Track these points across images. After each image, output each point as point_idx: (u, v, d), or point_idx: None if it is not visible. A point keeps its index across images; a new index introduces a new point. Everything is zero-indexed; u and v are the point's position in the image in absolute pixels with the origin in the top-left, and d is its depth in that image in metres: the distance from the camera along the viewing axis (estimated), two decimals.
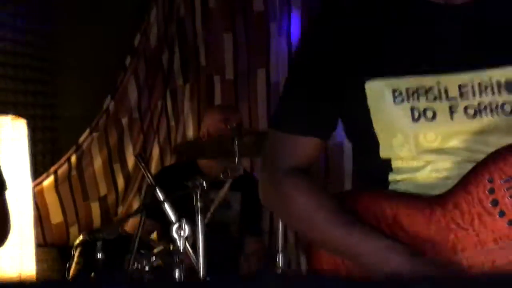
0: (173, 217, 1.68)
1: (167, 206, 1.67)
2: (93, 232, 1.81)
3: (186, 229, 1.62)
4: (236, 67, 3.02)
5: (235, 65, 3.02)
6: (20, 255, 2.48)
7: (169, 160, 3.16)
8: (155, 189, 1.63)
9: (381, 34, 0.93)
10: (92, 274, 1.69)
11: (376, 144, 0.93)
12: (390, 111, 0.91)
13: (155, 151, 3.17)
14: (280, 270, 1.97)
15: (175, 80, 3.14)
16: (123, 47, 3.04)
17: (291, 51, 2.88)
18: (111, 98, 3.06)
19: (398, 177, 0.93)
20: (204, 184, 1.61)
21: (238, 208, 2.41)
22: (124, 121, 3.11)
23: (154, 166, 3.17)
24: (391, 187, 0.94)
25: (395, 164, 0.93)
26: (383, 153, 0.93)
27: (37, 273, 2.57)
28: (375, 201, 0.92)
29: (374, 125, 0.92)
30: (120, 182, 3.15)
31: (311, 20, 1.04)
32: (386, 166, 0.94)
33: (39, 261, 2.65)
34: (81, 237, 1.85)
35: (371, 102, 0.91)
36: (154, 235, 2.40)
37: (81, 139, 3.04)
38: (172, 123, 3.15)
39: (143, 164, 1.73)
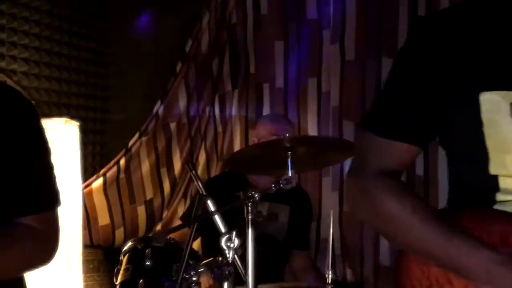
0: (222, 228, 1.64)
1: (217, 217, 1.63)
2: (143, 239, 1.80)
3: (236, 241, 1.57)
4: (286, 76, 2.97)
5: (285, 73, 2.98)
6: (67, 254, 2.51)
7: (215, 167, 3.15)
8: (207, 199, 1.60)
9: (496, 44, 0.88)
10: (141, 281, 1.67)
11: (485, 160, 0.87)
12: (506, 125, 0.85)
13: (202, 157, 3.16)
14: (330, 287, 1.90)
15: (224, 86, 3.13)
16: (175, 52, 3.05)
17: (344, 60, 2.81)
18: (161, 102, 3.08)
19: (510, 197, 0.86)
20: (256, 196, 1.56)
21: (285, 221, 2.36)
22: (173, 126, 3.12)
23: (200, 172, 3.16)
24: (497, 206, 0.88)
25: (504, 182, 0.87)
26: (493, 170, 0.87)
27: (83, 273, 2.60)
28: (481, 218, 0.86)
29: (486, 139, 0.86)
30: (166, 186, 3.16)
31: (417, 26, 0.98)
32: (494, 184, 0.88)
33: (85, 261, 2.69)
34: (130, 243, 1.84)
35: (485, 115, 0.86)
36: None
37: (131, 142, 3.06)
38: (220, 129, 3.14)
39: (193, 172, 1.70)
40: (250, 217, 1.58)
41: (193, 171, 1.70)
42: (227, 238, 1.59)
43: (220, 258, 1.59)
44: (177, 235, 2.61)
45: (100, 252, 2.92)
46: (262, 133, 2.31)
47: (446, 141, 0.93)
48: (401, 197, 0.90)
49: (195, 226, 1.56)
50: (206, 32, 3.09)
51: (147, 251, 1.71)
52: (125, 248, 1.83)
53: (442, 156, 2.59)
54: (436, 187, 2.56)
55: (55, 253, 1.09)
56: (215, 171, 3.14)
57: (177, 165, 3.16)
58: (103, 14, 3.22)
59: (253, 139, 2.39)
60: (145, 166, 3.11)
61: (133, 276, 1.72)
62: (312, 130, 2.89)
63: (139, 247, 1.76)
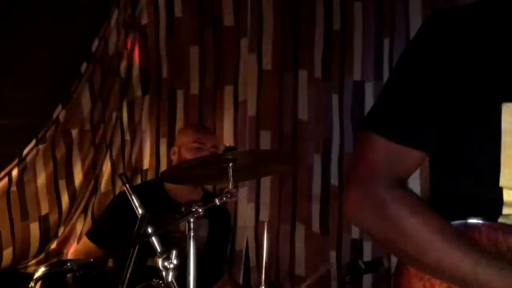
0: (158, 248, 1.49)
1: (154, 237, 1.47)
2: (58, 263, 1.56)
3: (175, 261, 1.43)
4: (202, 82, 2.86)
5: (201, 80, 2.86)
6: None
7: None
8: (148, 217, 1.43)
9: None
10: None
11: (496, 172, 0.84)
12: None
13: (106, 168, 2.91)
14: None
15: (133, 91, 2.91)
16: (80, 52, 2.77)
17: (261, 69, 2.78)
18: (62, 107, 2.77)
19: None
20: (200, 211, 1.44)
21: (205, 235, 2.25)
22: (74, 132, 2.82)
23: (104, 183, 2.91)
24: (501, 219, 0.85)
25: (508, 195, 0.84)
26: (502, 183, 0.84)
27: None
28: (491, 233, 0.83)
29: (502, 151, 0.83)
30: (65, 200, 2.85)
31: (434, 22, 0.91)
32: (500, 196, 0.85)
33: None
34: (43, 269, 1.59)
35: (505, 126, 0.82)
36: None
37: (25, 150, 2.71)
38: (127, 137, 2.92)
39: (127, 186, 1.52)
40: (192, 233, 1.45)
41: (127, 185, 1.52)
42: (164, 258, 1.45)
43: (155, 281, 1.44)
44: (73, 253, 2.35)
45: None
46: (184, 141, 2.18)
47: (450, 150, 0.88)
48: (422, 214, 0.84)
49: (137, 247, 1.39)
50: (114, 31, 2.86)
51: (67, 276, 1.48)
52: (38, 274, 1.57)
53: None
54: None
55: None
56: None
57: (78, 176, 2.86)
58: None
59: (173, 149, 2.24)
60: (41, 178, 2.77)
61: None
62: (228, 139, 2.80)
63: (56, 272, 1.52)
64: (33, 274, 2.80)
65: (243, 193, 2.75)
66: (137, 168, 2.90)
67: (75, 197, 2.86)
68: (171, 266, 1.43)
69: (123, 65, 2.88)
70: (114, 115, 2.88)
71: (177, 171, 1.62)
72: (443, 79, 0.87)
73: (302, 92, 2.71)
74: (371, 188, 0.87)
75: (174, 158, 2.23)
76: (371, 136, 0.89)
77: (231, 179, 1.53)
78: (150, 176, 2.87)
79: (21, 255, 2.78)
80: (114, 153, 2.90)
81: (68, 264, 1.53)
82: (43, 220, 2.80)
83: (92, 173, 2.87)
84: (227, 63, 2.83)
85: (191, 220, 1.45)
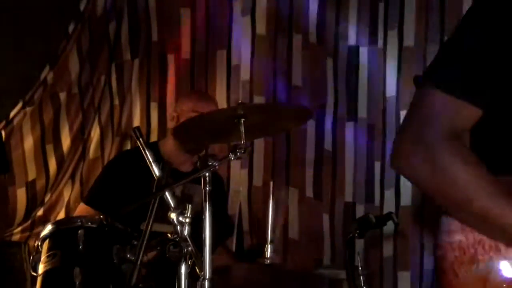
0: (172, 203, 1.47)
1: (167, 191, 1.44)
2: (67, 221, 1.51)
3: (189, 215, 1.42)
4: (193, 47, 2.80)
5: (192, 44, 2.80)
6: None
7: (110, 143, 2.84)
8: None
9: None
10: (76, 269, 1.40)
11: None
12: None
13: (95, 132, 2.83)
14: (268, 261, 1.84)
15: (122, 54, 2.83)
16: (67, 11, 2.65)
17: (255, 33, 2.74)
18: (50, 68, 2.66)
19: None
20: (216, 165, 1.42)
21: (199, 202, 2.23)
22: (62, 96, 2.73)
23: (93, 148, 2.84)
24: None
25: None
26: None
27: None
28: None
29: None
30: (52, 165, 2.77)
31: None
32: None
33: None
34: (50, 227, 1.54)
35: None
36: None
37: (12, 113, 2.60)
38: (116, 101, 2.84)
39: (141, 140, 1.48)
40: (207, 188, 1.44)
41: (140, 139, 1.48)
42: (179, 212, 1.43)
43: (170, 235, 1.42)
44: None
45: None
46: (183, 109, 2.14)
47: (507, 110, 0.90)
48: (473, 165, 0.86)
49: (157, 198, 1.36)
50: None
51: (79, 233, 1.44)
52: (45, 232, 1.52)
53: (349, 132, 2.70)
54: (343, 161, 2.65)
55: None
56: (110, 148, 2.83)
57: (66, 141, 2.78)
58: None
59: (172, 114, 2.20)
60: (28, 142, 2.68)
61: (63, 263, 1.44)
62: (221, 105, 2.77)
63: (65, 229, 1.48)
64: (18, 242, 2.76)
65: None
66: (127, 134, 2.84)
67: (62, 163, 2.78)
68: (187, 220, 1.41)
69: (112, 27, 2.79)
70: (102, 78, 2.80)
71: (188, 127, 1.59)
72: (505, 39, 0.88)
73: (296, 57, 2.69)
74: (425, 136, 0.88)
75: (172, 124, 2.19)
76: (431, 90, 0.90)
77: (243, 134, 1.51)
78: None
79: (6, 222, 2.70)
80: (103, 117, 2.83)
81: (79, 220, 1.49)
82: (30, 186, 2.72)
83: (80, 138, 2.80)
84: (220, 26, 2.77)
85: (207, 174, 1.43)
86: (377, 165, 2.60)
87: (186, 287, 1.37)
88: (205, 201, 1.43)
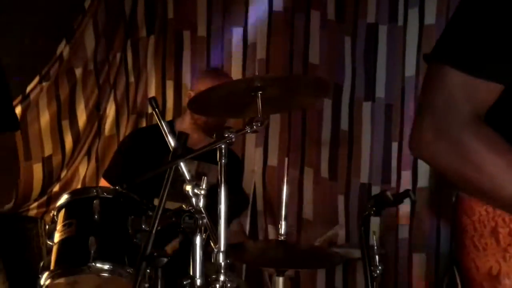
0: (187, 175, 1.45)
1: (182, 163, 1.43)
2: (83, 190, 1.51)
3: (205, 187, 1.40)
4: (209, 24, 2.77)
5: (208, 21, 2.77)
6: None
7: (125, 121, 2.84)
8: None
9: None
10: (91, 238, 1.41)
11: None
12: None
13: (111, 109, 2.83)
14: (282, 237, 1.82)
15: (138, 31, 2.81)
16: None
17: (272, 10, 2.70)
18: (66, 42, 2.66)
19: None
20: (232, 137, 1.40)
21: (214, 182, 2.22)
22: (78, 72, 2.73)
23: (108, 125, 2.84)
24: None
25: None
26: None
27: None
28: None
29: None
30: (68, 141, 2.78)
31: None
32: None
33: None
34: (66, 196, 1.54)
35: None
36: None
37: (29, 88, 2.61)
38: (132, 79, 2.83)
39: (156, 110, 1.46)
40: (223, 161, 1.42)
41: (156, 109, 1.47)
42: (194, 184, 1.41)
43: (185, 206, 1.41)
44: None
45: None
46: (200, 88, 2.11)
47: None
48: (499, 150, 0.84)
49: (173, 167, 1.35)
50: None
51: (94, 202, 1.44)
52: (61, 202, 1.53)
53: (366, 112, 2.66)
54: (359, 141, 2.62)
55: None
56: (126, 125, 2.83)
57: (82, 118, 2.79)
58: None
59: (189, 92, 2.18)
60: (45, 117, 2.69)
61: (79, 232, 1.44)
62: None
63: (81, 199, 1.48)
64: (35, 217, 2.79)
65: (251, 137, 2.72)
66: (142, 111, 2.83)
67: (78, 139, 2.79)
68: (202, 192, 1.40)
69: (128, 3, 2.77)
70: (118, 55, 2.79)
71: (204, 99, 1.57)
72: None
73: (313, 34, 2.65)
74: (447, 122, 0.85)
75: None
76: (446, 68, 0.86)
77: (260, 108, 1.49)
78: (156, 120, 2.80)
79: (23, 198, 2.72)
80: (119, 95, 2.82)
81: (94, 190, 1.48)
82: (46, 162, 2.74)
83: (96, 115, 2.80)
84: (236, 3, 2.74)
85: (223, 146, 1.41)
86: (395, 146, 2.57)
87: (200, 258, 1.36)
88: (221, 174, 1.41)
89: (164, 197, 1.30)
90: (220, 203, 1.41)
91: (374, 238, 1.87)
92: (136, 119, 2.82)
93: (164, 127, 1.47)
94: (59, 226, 1.49)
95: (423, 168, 2.53)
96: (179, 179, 1.44)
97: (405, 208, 2.51)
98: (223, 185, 1.42)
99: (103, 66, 2.77)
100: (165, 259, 1.22)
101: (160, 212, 1.27)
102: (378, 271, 1.88)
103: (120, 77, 2.81)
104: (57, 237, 1.48)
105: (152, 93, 2.82)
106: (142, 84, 2.82)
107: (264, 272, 2.45)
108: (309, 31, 2.66)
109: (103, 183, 2.14)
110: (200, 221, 1.36)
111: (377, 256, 1.87)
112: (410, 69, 2.55)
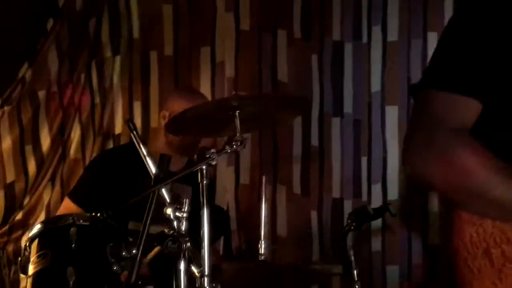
0: (167, 198, 1.42)
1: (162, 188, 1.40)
2: (57, 219, 1.44)
3: (186, 209, 1.38)
4: (176, 43, 2.75)
5: (175, 41, 2.75)
6: None
7: (92, 142, 2.76)
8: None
9: None
10: (70, 268, 1.34)
11: None
12: None
13: (76, 132, 2.75)
14: (262, 257, 1.81)
15: (102, 52, 2.76)
16: (46, 7, 2.57)
17: (239, 29, 2.71)
18: (29, 65, 2.57)
19: None
20: (214, 157, 1.38)
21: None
22: (41, 94, 2.64)
23: (73, 148, 2.75)
24: None
25: None
26: None
27: None
28: None
29: None
30: (32, 167, 2.68)
31: None
32: None
33: None
34: (39, 226, 1.47)
35: None
36: None
37: None
38: (97, 100, 2.77)
39: (134, 132, 1.43)
40: (205, 182, 1.40)
41: (134, 131, 1.43)
42: (176, 208, 1.39)
43: (166, 230, 1.37)
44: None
45: None
46: (175, 109, 2.09)
47: (505, 100, 0.91)
48: (484, 155, 0.88)
49: (157, 192, 1.31)
50: None
51: (71, 230, 1.38)
52: (34, 232, 1.45)
53: (335, 127, 2.69)
54: (330, 156, 2.64)
55: None
56: (92, 148, 2.76)
57: (45, 142, 2.69)
58: None
59: (164, 113, 2.15)
60: (7, 142, 2.58)
61: (54, 262, 1.37)
62: None
63: (56, 228, 1.41)
64: None
65: (222, 156, 2.69)
66: (109, 133, 2.77)
67: (42, 164, 2.69)
68: (185, 215, 1.37)
69: (92, 23, 2.72)
70: (82, 76, 2.72)
71: (181, 120, 1.55)
72: (495, 33, 0.90)
73: (281, 53, 2.68)
74: (435, 134, 0.90)
75: (164, 123, 2.14)
76: (430, 92, 0.92)
77: (239, 127, 1.48)
78: (123, 141, 2.74)
79: None
80: (84, 117, 2.75)
81: (70, 218, 1.42)
82: (8, 189, 2.62)
83: (60, 138, 2.71)
84: (203, 23, 2.73)
85: (204, 168, 1.39)
86: (364, 160, 2.61)
87: (185, 284, 1.32)
88: (203, 195, 1.39)
89: (148, 222, 1.26)
90: (203, 226, 1.39)
91: (352, 252, 1.88)
92: (103, 141, 2.75)
93: (143, 150, 1.43)
94: (33, 258, 1.41)
95: (393, 181, 2.58)
96: (156, 202, 1.41)
97: (377, 221, 2.54)
98: (205, 207, 1.39)
99: (67, 87, 2.70)
100: (151, 287, 1.18)
101: (144, 238, 1.23)
102: (357, 286, 1.90)
103: (85, 99, 2.74)
104: (31, 269, 1.41)
105: (119, 114, 2.76)
106: (108, 105, 2.76)
107: None
108: (276, 49, 2.69)
109: (67, 203, 2.07)
110: (184, 245, 1.33)
111: (355, 271, 1.89)
112: (375, 85, 2.62)
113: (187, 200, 1.37)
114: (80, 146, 2.75)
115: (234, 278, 1.86)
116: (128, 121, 1.47)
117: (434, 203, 2.51)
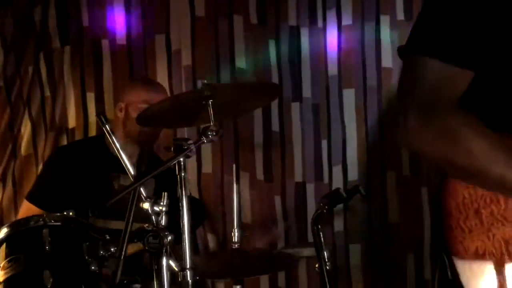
0: (144, 192, 1.38)
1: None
2: (26, 221, 1.36)
3: (165, 203, 1.35)
4: (129, 31, 2.65)
5: (128, 28, 2.65)
6: None
7: (44, 137, 2.63)
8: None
9: None
10: (46, 272, 1.27)
11: None
12: None
13: (26, 127, 2.61)
14: (235, 246, 1.81)
15: (50, 42, 2.62)
16: None
17: (194, 16, 2.65)
18: None
19: None
20: (193, 148, 1.36)
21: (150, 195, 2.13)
22: None
23: (24, 145, 2.62)
24: None
25: None
26: None
27: None
28: None
29: None
30: None
31: None
32: None
33: None
34: (5, 230, 1.38)
35: None
36: None
37: None
38: (47, 93, 2.63)
39: (107, 126, 1.37)
40: (183, 174, 1.37)
41: (107, 125, 1.37)
42: (153, 202, 1.35)
43: (146, 226, 1.34)
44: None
45: None
46: (132, 99, 2.03)
47: (500, 69, 0.92)
48: (484, 132, 0.88)
49: (138, 188, 1.27)
50: None
51: (44, 232, 1.31)
52: (1, 236, 1.37)
53: (295, 112, 2.71)
54: (291, 141, 2.66)
55: None
56: (44, 143, 2.62)
57: None
58: None
59: (120, 104, 2.07)
60: None
61: (28, 267, 1.30)
62: None
63: (26, 230, 1.34)
64: None
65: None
66: (62, 127, 2.64)
67: None
68: (164, 209, 1.34)
69: (38, 11, 2.57)
70: (30, 68, 2.57)
71: (153, 112, 1.50)
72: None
73: (238, 38, 2.65)
74: (433, 113, 0.88)
75: (121, 115, 2.07)
76: (424, 59, 0.90)
77: (212, 116, 1.46)
78: (78, 135, 2.63)
79: None
80: (34, 111, 2.61)
81: (41, 219, 1.35)
82: None
83: (10, 135, 2.56)
84: (157, 9, 2.65)
85: (181, 160, 1.36)
86: (324, 143, 2.65)
87: (168, 279, 1.30)
88: (181, 188, 1.36)
89: (131, 220, 1.22)
90: (183, 219, 1.36)
91: (321, 234, 1.92)
92: (56, 135, 2.62)
93: (116, 144, 1.38)
94: (2, 263, 1.33)
95: (353, 162, 2.64)
96: (126, 197, 1.37)
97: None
98: (184, 199, 1.37)
99: (14, 81, 2.54)
100: (138, 286, 1.15)
101: (127, 236, 1.19)
102: (328, 266, 1.94)
103: (34, 92, 2.60)
104: (2, 274, 1.33)
105: (71, 106, 2.64)
106: (59, 98, 2.63)
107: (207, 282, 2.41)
108: (233, 35, 2.66)
109: (26, 206, 1.97)
110: (165, 240, 1.30)
111: (325, 252, 1.93)
112: (332, 68, 2.65)
113: (165, 194, 1.34)
114: (32, 142, 2.61)
115: (207, 268, 1.85)
116: (99, 114, 1.41)
117: (392, 183, 2.60)
